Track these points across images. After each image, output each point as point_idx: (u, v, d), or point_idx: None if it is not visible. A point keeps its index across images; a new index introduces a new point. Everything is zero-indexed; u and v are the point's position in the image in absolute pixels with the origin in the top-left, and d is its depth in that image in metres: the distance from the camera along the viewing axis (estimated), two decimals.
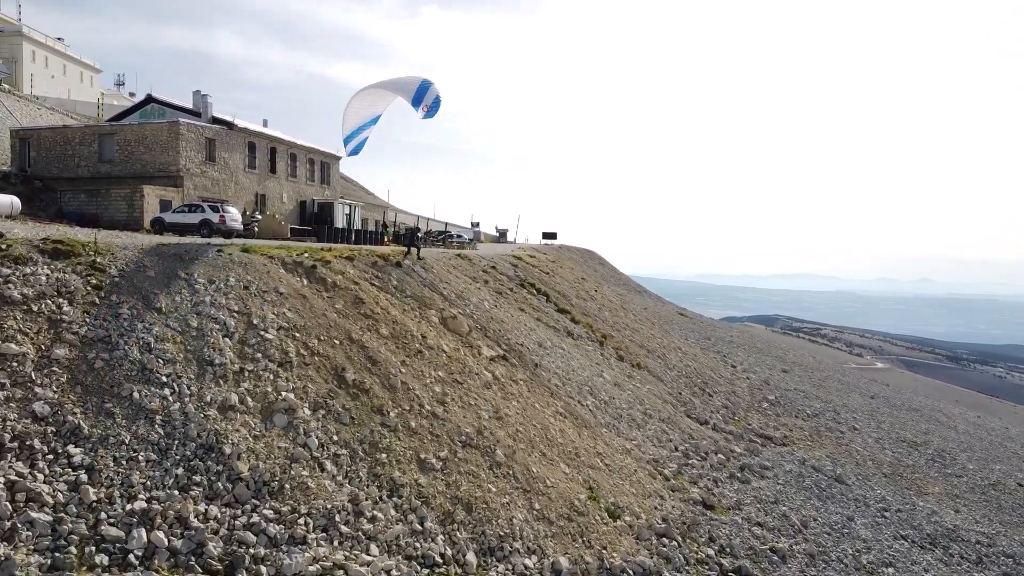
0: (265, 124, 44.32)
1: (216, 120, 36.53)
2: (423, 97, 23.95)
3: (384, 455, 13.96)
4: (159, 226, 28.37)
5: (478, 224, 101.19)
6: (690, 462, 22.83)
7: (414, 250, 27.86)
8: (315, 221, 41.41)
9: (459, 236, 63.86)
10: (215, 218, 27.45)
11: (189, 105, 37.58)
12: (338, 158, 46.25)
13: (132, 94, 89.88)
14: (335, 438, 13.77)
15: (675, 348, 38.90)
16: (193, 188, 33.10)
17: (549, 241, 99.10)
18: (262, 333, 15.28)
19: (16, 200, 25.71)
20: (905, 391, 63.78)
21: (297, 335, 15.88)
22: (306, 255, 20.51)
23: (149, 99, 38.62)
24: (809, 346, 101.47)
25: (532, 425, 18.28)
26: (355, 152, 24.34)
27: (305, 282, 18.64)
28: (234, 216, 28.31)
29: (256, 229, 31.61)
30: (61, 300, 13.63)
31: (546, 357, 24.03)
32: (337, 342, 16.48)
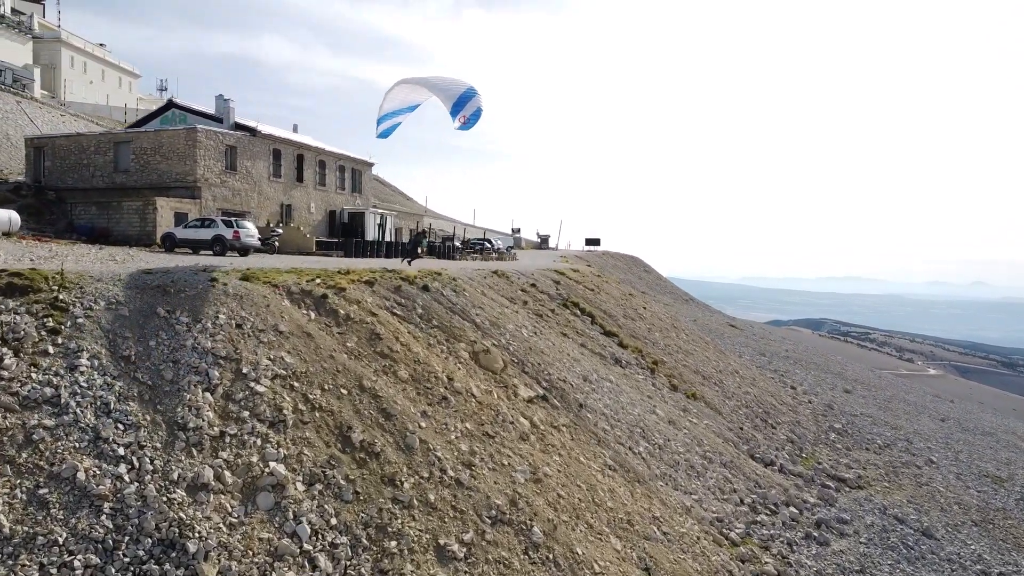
0: (295, 129, 42.23)
1: (239, 126, 34.43)
2: (463, 106, 21.47)
3: (394, 542, 11.24)
4: (170, 242, 26.22)
5: (519, 230, 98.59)
6: (759, 518, 19.75)
7: (413, 259, 25.86)
8: (345, 232, 39.10)
9: (497, 245, 61.28)
10: (228, 234, 25.19)
11: (212, 111, 35.56)
12: (370, 164, 43.92)
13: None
14: (333, 521, 11.10)
15: (732, 372, 35.58)
16: (212, 199, 30.98)
17: (593, 248, 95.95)
18: (252, 385, 12.69)
19: (15, 215, 23.74)
20: (971, 410, 59.35)
21: (296, 385, 13.27)
22: (318, 281, 17.96)
23: (170, 104, 36.73)
24: (859, 352, 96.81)
25: (576, 486, 15.42)
26: (384, 135, 22.53)
27: (313, 315, 16.06)
28: (250, 231, 26.01)
29: (276, 244, 29.33)
30: (4, 350, 11.20)
31: (592, 394, 21.11)
32: (345, 391, 13.83)
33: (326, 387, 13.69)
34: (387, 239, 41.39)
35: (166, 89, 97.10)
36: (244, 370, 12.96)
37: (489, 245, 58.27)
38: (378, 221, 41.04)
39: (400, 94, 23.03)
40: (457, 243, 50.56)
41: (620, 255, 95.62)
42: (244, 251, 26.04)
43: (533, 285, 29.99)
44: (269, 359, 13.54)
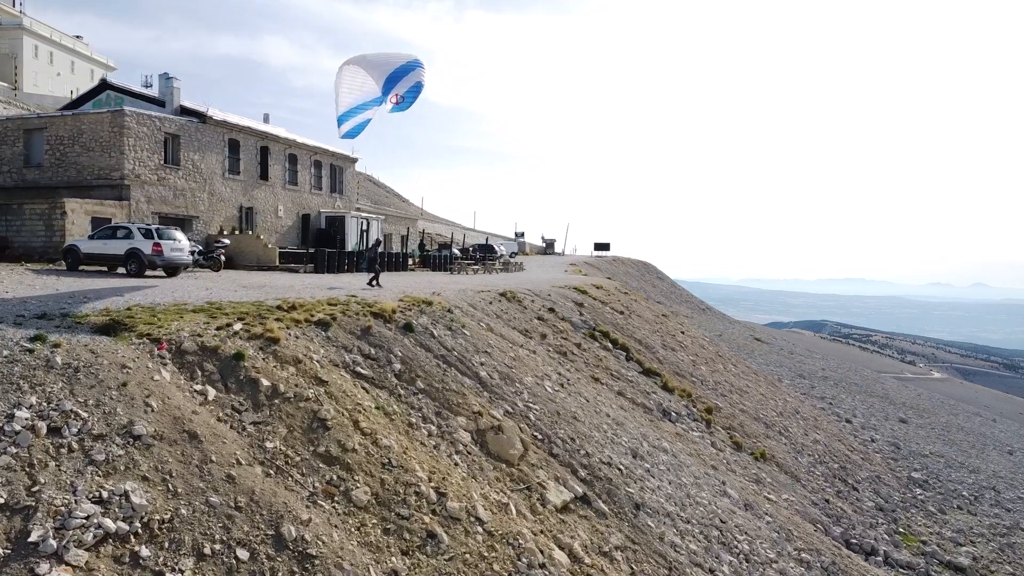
0: (266, 120, 35.79)
1: (185, 111, 27.97)
2: (397, 82, 15.95)
3: None
4: (72, 258, 19.78)
5: (522, 235, 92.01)
6: None
7: (377, 277, 20.26)
8: (321, 240, 32.68)
9: (500, 251, 54.94)
10: (147, 247, 18.75)
11: (155, 93, 29.11)
12: (353, 160, 37.47)
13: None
14: None
15: (792, 412, 29.17)
16: (146, 201, 24.54)
17: (602, 253, 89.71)
18: (39, 570, 6.30)
19: None
20: (1020, 432, 53.28)
21: (145, 554, 6.87)
22: (238, 326, 11.54)
23: (104, 86, 30.23)
24: (863, 355, 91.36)
25: None
26: (352, 135, 17.27)
27: (211, 395, 9.65)
28: (178, 244, 19.58)
29: (222, 258, 22.91)
30: None
31: (647, 479, 14.66)
32: (245, 552, 7.43)
33: (209, 546, 7.27)
34: (354, 247, 34.97)
35: (150, 86, 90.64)
36: (34, 535, 6.55)
37: (492, 253, 51.95)
38: (362, 227, 34.62)
39: (355, 82, 17.61)
40: (456, 250, 44.22)
41: (631, 261, 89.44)
42: (171, 269, 19.67)
43: (551, 310, 23.55)
44: (97, 497, 7.13)
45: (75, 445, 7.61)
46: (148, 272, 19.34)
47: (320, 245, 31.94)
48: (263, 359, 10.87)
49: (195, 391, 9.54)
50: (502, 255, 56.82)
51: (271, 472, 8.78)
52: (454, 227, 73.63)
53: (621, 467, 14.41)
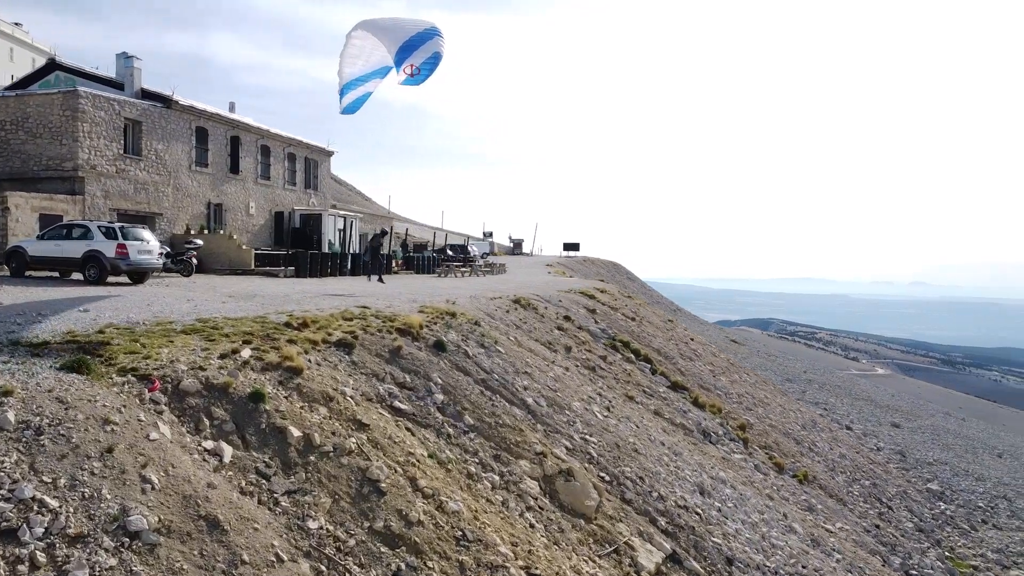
0: (231, 109, 32.65)
1: (147, 94, 24.80)
2: (412, 52, 13.46)
3: None
4: (17, 262, 16.70)
5: (491, 234, 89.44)
6: None
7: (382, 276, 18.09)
8: (296, 240, 29.78)
9: (473, 252, 52.61)
10: (110, 249, 15.80)
11: (112, 75, 25.82)
12: (329, 154, 34.51)
13: None
14: None
15: (811, 423, 27.39)
16: (103, 196, 21.40)
17: (572, 253, 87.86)
18: None
19: None
20: (990, 431, 52.93)
21: None
22: (247, 352, 8.91)
23: (53, 65, 26.75)
24: (810, 352, 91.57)
25: None
26: (350, 110, 15.24)
27: (229, 452, 7.05)
28: (146, 245, 16.67)
29: (194, 262, 19.99)
30: None
31: (726, 526, 12.42)
32: None
33: None
34: (353, 250, 32.13)
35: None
36: None
37: (465, 253, 49.47)
38: (339, 226, 31.77)
39: (362, 51, 15.15)
40: (431, 252, 41.60)
41: (602, 261, 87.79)
42: (138, 275, 16.74)
43: (568, 318, 21.18)
44: None
45: (40, 556, 4.97)
46: (111, 278, 16.38)
47: (294, 246, 29.07)
48: (286, 399, 8.27)
49: (205, 451, 6.92)
50: (474, 255, 54.43)
51: (322, 568, 6.23)
52: (422, 227, 70.81)
53: (699, 511, 12.14)
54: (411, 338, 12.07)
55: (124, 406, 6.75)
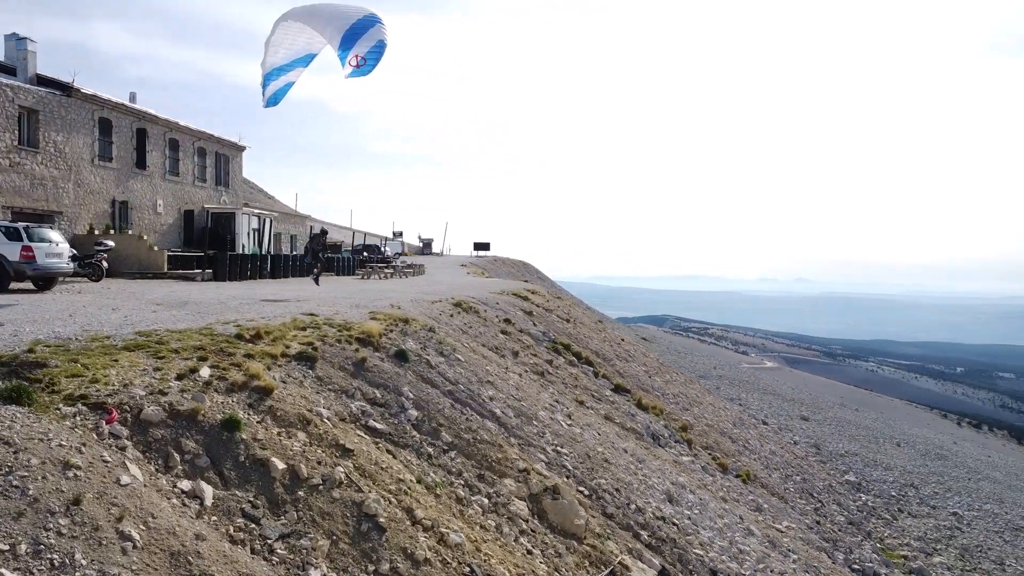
0: (132, 99, 30.25)
1: (43, 80, 22.47)
2: (356, 41, 12.70)
3: None
4: None
5: (400, 234, 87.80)
6: None
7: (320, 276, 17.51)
8: (208, 241, 27.88)
9: (385, 252, 51.55)
10: (13, 252, 14.02)
11: (1, 58, 23.23)
12: (241, 149, 32.53)
13: None
14: None
15: (738, 420, 27.86)
16: None
17: (483, 253, 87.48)
18: None
19: None
20: (885, 420, 56.16)
21: None
22: (205, 371, 7.85)
23: None
24: (705, 348, 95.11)
25: None
26: (273, 102, 14.33)
27: (210, 493, 6.04)
28: (55, 247, 14.92)
29: (106, 265, 18.19)
30: None
31: (700, 535, 12.13)
32: None
33: None
34: (269, 250, 30.41)
35: None
36: None
37: (377, 253, 48.39)
38: (254, 225, 29.97)
39: (288, 38, 14.22)
40: (347, 252, 40.11)
41: (512, 261, 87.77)
42: (45, 281, 14.96)
43: (508, 321, 20.55)
44: None
45: None
46: (13, 285, 14.51)
47: (206, 246, 27.18)
48: (260, 424, 7.29)
49: (183, 493, 5.90)
50: (390, 255, 53.38)
51: None
52: (331, 227, 68.48)
53: (675, 521, 11.79)
54: (372, 348, 11.17)
55: (83, 444, 5.65)
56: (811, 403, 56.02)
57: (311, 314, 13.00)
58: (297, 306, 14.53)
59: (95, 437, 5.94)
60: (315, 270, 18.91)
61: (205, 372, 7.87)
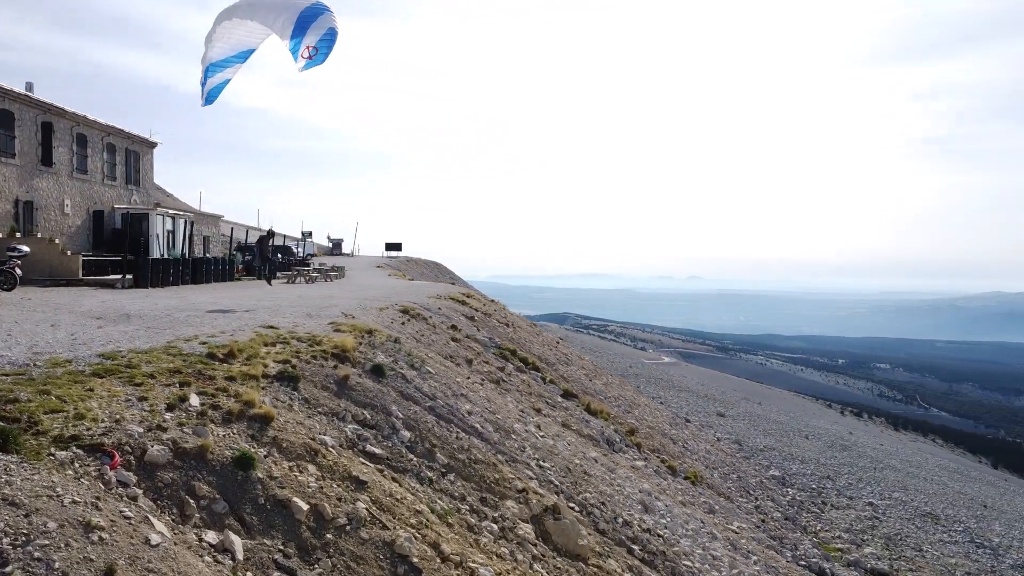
0: (30, 88, 27.81)
1: None
2: (306, 31, 12.19)
3: None
4: None
5: (310, 234, 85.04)
6: None
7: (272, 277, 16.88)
8: (119, 243, 25.97)
9: (298, 254, 50.03)
10: None
11: None
12: (152, 145, 30.50)
13: None
14: None
15: (673, 421, 28.30)
16: None
17: (395, 253, 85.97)
18: None
19: None
20: (789, 412, 58.96)
21: None
22: (196, 399, 7.06)
23: None
24: (604, 344, 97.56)
25: None
26: (210, 99, 14.00)
27: (239, 545, 5.36)
28: None
29: (19, 273, 16.52)
30: None
31: (682, 543, 12.07)
32: None
33: None
34: (185, 253, 28.63)
35: None
36: None
37: (289, 255, 46.89)
38: (168, 227, 28.13)
39: (226, 33, 13.52)
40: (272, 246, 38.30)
41: (424, 261, 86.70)
42: None
43: (455, 327, 20.02)
44: None
45: None
46: None
47: (117, 249, 25.28)
48: (269, 458, 6.60)
49: (210, 547, 5.20)
50: (302, 257, 51.89)
51: None
52: (239, 227, 65.56)
53: (659, 532, 11.68)
54: (349, 364, 10.50)
55: (97, 498, 4.87)
56: (721, 399, 57.74)
57: (271, 327, 12.13)
58: (249, 317, 13.56)
59: (102, 487, 5.16)
60: (266, 272, 17.92)
61: (195, 400, 7.09)
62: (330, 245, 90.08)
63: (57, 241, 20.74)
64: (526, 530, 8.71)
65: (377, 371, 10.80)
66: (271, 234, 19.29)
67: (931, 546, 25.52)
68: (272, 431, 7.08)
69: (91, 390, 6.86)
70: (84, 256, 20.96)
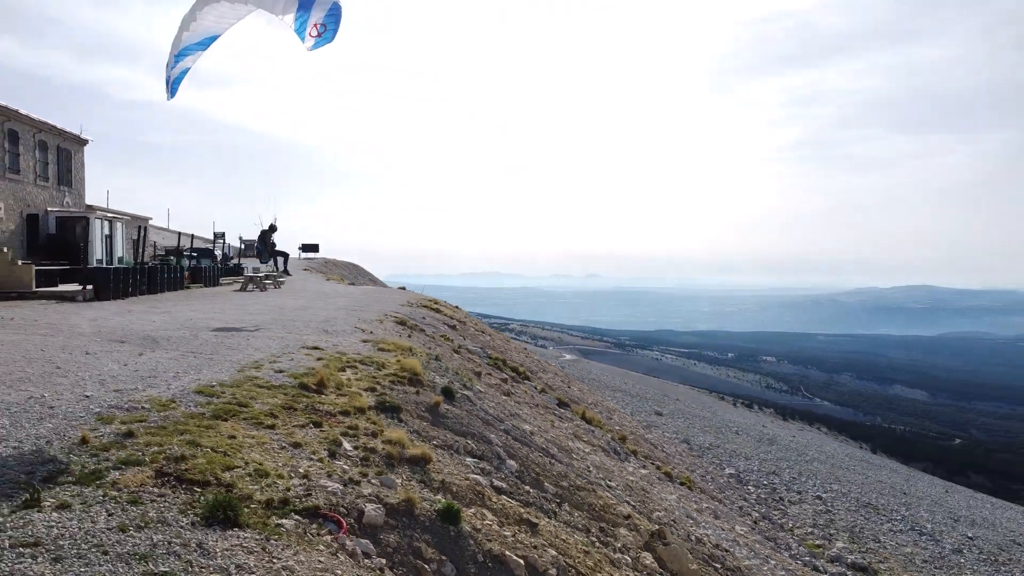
0: None
1: None
2: (311, 7, 11.48)
3: None
4: None
5: (223, 235, 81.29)
6: None
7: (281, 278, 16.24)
8: (56, 250, 23.83)
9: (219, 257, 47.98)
10: None
11: None
12: (84, 142, 28.10)
13: None
14: None
15: (642, 423, 28.54)
16: None
17: (311, 255, 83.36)
18: None
19: None
20: (712, 408, 61.03)
21: None
22: (348, 443, 6.38)
23: None
24: (530, 347, 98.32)
25: None
26: (173, 91, 12.00)
27: None
28: None
29: None
30: None
31: (736, 552, 12.04)
32: None
33: None
34: (124, 260, 26.59)
35: None
36: None
37: (212, 259, 44.58)
38: (106, 231, 26.01)
39: (203, 16, 12.46)
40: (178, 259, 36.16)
41: (342, 263, 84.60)
42: None
43: (447, 338, 19.38)
44: None
45: None
46: None
47: (54, 256, 23.18)
48: (469, 510, 6.01)
49: None
50: (231, 261, 49.78)
51: None
52: (154, 230, 61.74)
53: (725, 548, 11.59)
54: (424, 387, 9.86)
55: None
56: (650, 396, 58.82)
57: (314, 347, 11.26)
58: (277, 336, 12.55)
59: (351, 560, 4.51)
60: (275, 273, 16.77)
61: (347, 444, 6.41)
62: (242, 247, 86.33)
63: (6, 250, 18.69)
64: (648, 558, 8.42)
65: (448, 394, 10.23)
66: (273, 229, 18.00)
67: (884, 536, 26.80)
68: (434, 473, 6.49)
69: (234, 437, 6.09)
70: (37, 265, 19.00)
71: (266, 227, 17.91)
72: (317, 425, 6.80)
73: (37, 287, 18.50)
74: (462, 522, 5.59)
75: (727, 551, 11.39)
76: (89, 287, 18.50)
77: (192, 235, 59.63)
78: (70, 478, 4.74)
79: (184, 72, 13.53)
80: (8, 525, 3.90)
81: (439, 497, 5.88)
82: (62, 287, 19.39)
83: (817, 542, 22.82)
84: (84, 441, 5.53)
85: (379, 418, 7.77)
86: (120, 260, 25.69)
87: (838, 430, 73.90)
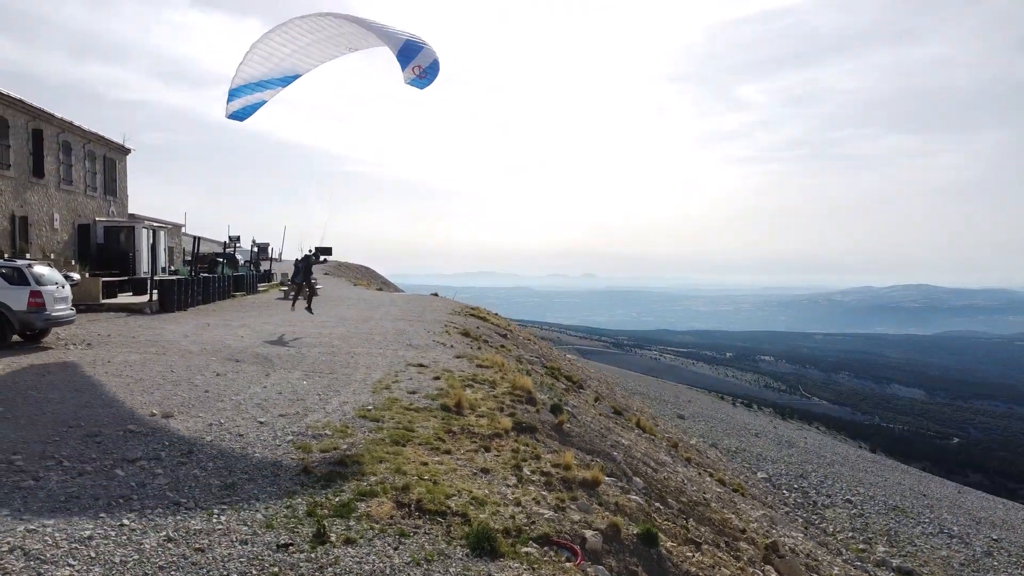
0: None
1: None
2: (415, 56, 12.10)
3: None
4: None
5: (238, 239, 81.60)
6: None
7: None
8: (106, 259, 24.15)
9: (244, 262, 48.02)
10: (19, 300, 11.13)
11: None
12: (127, 151, 28.41)
13: None
14: None
15: (676, 427, 28.92)
16: None
17: (326, 257, 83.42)
18: None
19: None
20: (726, 411, 61.34)
21: None
22: (525, 466, 6.77)
23: None
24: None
25: None
26: (239, 116, 13.09)
27: None
28: (61, 291, 12.08)
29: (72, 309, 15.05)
30: None
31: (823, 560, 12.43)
32: None
33: None
34: (167, 269, 26.94)
35: None
36: None
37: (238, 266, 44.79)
38: (150, 240, 26.33)
39: (278, 48, 12.95)
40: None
41: (355, 266, 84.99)
42: (43, 332, 12.01)
43: (503, 347, 19.74)
44: None
45: None
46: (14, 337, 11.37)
47: (102, 266, 23.50)
48: (668, 528, 6.38)
49: None
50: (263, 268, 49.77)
51: None
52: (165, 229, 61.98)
53: (812, 555, 11.98)
54: (534, 404, 10.22)
55: None
56: (669, 400, 59.11)
57: (420, 364, 11.62)
58: (368, 353, 12.88)
59: None
60: (306, 291, 17.17)
61: (526, 469, 6.77)
62: (255, 250, 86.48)
63: (75, 262, 19.00)
64: (772, 573, 8.80)
65: (556, 411, 10.58)
66: (328, 250, 18.32)
67: (919, 539, 27.24)
68: (603, 496, 6.86)
69: (425, 464, 6.46)
70: (103, 277, 19.31)
71: (312, 251, 18.16)
72: (487, 450, 7.17)
73: (104, 299, 18.83)
74: (659, 544, 5.97)
75: (818, 560, 11.78)
76: (155, 299, 18.83)
77: (199, 237, 59.73)
78: (326, 511, 5.11)
79: (260, 104, 13.85)
80: (320, 560, 4.27)
81: (645, 523, 6.25)
82: (122, 298, 19.73)
83: (860, 546, 23.22)
84: (307, 471, 5.90)
85: (522, 438, 8.14)
86: (175, 271, 26.05)
87: (836, 429, 74.26)
